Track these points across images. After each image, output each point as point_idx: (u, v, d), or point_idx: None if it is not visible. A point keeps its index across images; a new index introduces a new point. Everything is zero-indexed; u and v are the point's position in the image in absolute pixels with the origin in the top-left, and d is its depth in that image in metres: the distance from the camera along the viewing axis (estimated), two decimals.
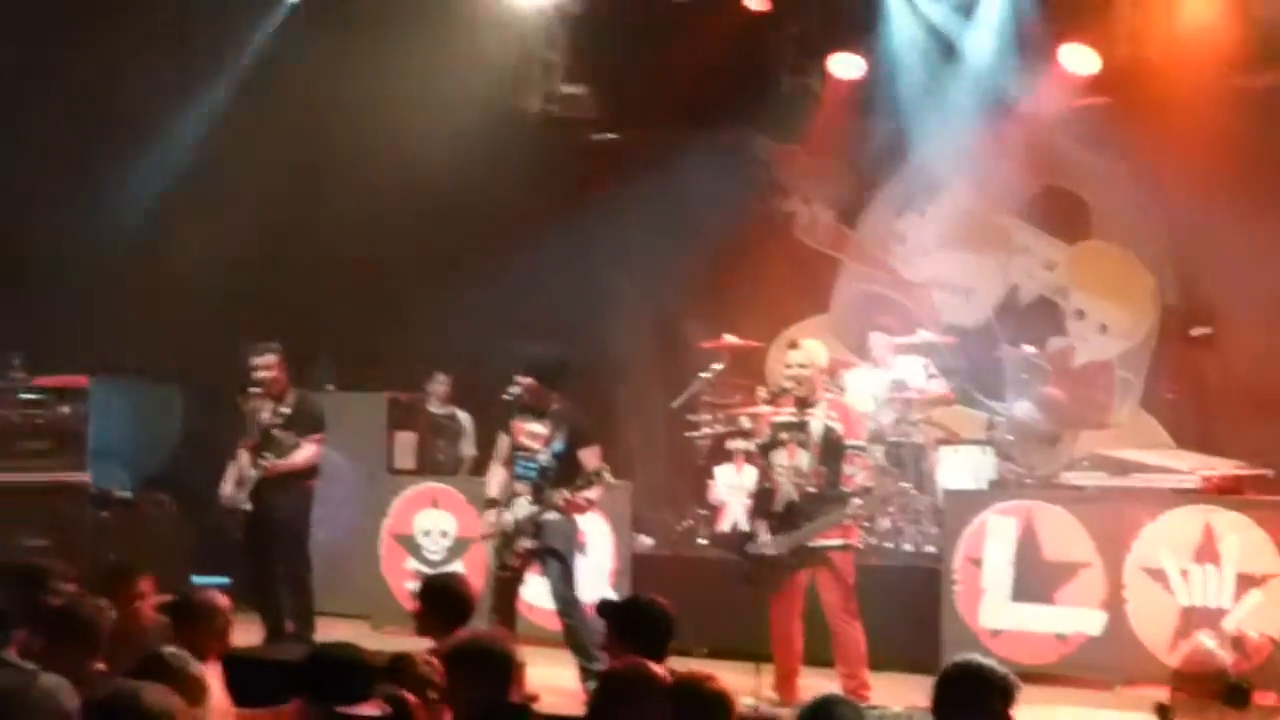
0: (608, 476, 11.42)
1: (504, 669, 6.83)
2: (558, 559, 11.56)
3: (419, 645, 8.23)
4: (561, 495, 11.34)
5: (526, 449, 11.59)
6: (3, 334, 15.55)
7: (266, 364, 13.27)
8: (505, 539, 11.47)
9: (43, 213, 16.39)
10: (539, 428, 11.61)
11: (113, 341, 16.56)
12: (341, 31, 16.77)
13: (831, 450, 10.96)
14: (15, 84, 15.99)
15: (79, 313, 16.42)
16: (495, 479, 11.84)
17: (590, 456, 11.52)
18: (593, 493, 11.43)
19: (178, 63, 16.75)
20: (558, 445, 11.53)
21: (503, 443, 11.80)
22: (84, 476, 15.30)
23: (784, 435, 11.10)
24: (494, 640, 7.07)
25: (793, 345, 11.33)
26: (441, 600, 8.50)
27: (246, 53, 17.24)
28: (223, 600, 8.47)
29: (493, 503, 11.74)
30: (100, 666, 7.39)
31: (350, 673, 6.65)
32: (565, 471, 11.46)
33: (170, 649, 6.94)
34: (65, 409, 15.24)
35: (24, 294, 15.98)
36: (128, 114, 16.70)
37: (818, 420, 10.99)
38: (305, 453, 13.22)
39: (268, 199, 17.32)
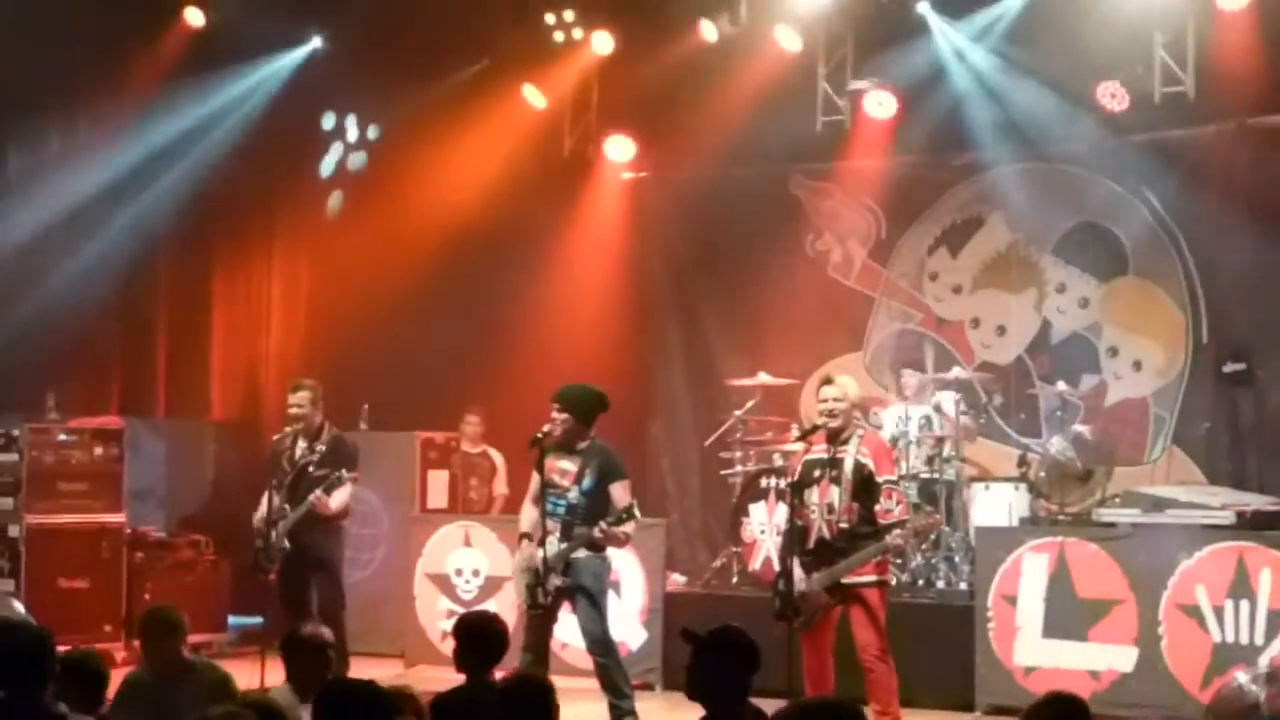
0: (638, 513, 11.41)
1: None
2: (588, 597, 11.53)
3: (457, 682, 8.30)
4: (599, 527, 11.33)
5: (556, 486, 11.57)
6: (36, 376, 15.65)
7: (299, 400, 13.29)
8: (536, 576, 11.45)
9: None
10: (569, 465, 11.60)
11: (146, 383, 16.67)
12: (370, 74, 16.90)
13: (864, 486, 10.93)
14: None
15: (111, 354, 16.54)
16: (527, 516, 11.85)
17: (620, 491, 11.51)
18: (628, 527, 11.43)
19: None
20: (587, 482, 11.53)
21: (535, 481, 11.80)
22: (120, 517, 15.37)
23: (816, 472, 11.08)
24: (541, 678, 7.11)
25: (826, 381, 11.31)
26: (478, 638, 8.51)
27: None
28: (328, 634, 8.58)
29: (525, 536, 11.76)
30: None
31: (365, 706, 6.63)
32: (595, 508, 11.43)
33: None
34: (100, 450, 15.30)
35: (56, 336, 16.07)
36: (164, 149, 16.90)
37: (850, 456, 10.98)
38: (345, 492, 13.23)
39: (302, 238, 17.41)
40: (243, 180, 17.55)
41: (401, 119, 17.22)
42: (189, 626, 9.39)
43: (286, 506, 13.04)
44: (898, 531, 10.87)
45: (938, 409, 14.84)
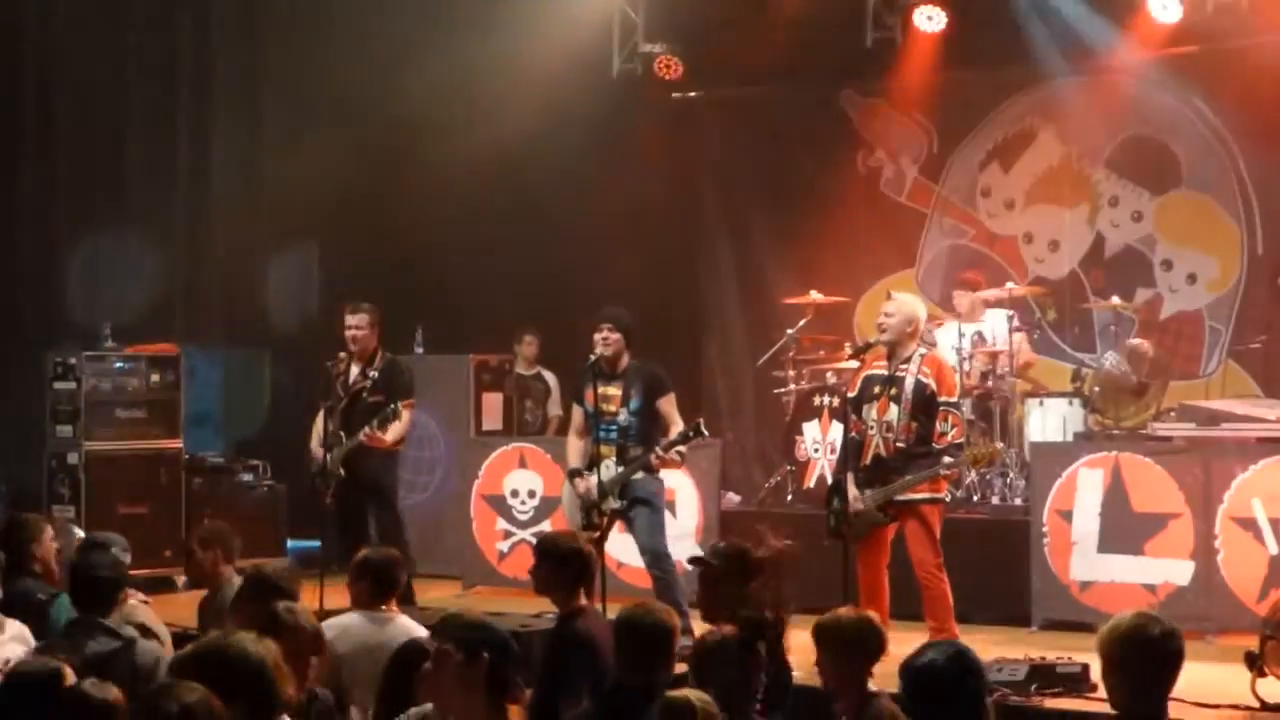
0: (704, 429, 11.44)
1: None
2: (647, 513, 11.59)
3: (512, 605, 8.36)
4: (655, 453, 11.36)
5: (605, 413, 11.58)
6: (92, 304, 15.74)
7: (359, 323, 13.26)
8: (591, 501, 11.49)
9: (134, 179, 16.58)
10: (613, 389, 11.63)
11: (202, 308, 16.73)
12: None
13: (923, 406, 10.98)
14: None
15: (168, 280, 16.62)
16: (574, 449, 11.91)
17: (668, 406, 11.59)
18: (685, 448, 11.46)
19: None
20: (635, 402, 11.58)
21: (576, 413, 11.86)
22: (177, 443, 15.47)
23: (876, 389, 11.13)
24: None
25: (888, 296, 11.37)
26: (566, 561, 8.61)
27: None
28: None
29: (576, 472, 11.79)
30: None
31: None
32: (647, 426, 11.51)
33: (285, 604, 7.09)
34: (156, 377, 15.40)
35: (115, 263, 16.16)
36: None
37: (911, 375, 11.01)
38: (403, 422, 13.22)
39: (357, 161, 17.41)
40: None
41: (453, 37, 17.13)
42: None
43: (341, 433, 13.08)
44: (948, 460, 10.91)
45: (980, 335, 14.80)
